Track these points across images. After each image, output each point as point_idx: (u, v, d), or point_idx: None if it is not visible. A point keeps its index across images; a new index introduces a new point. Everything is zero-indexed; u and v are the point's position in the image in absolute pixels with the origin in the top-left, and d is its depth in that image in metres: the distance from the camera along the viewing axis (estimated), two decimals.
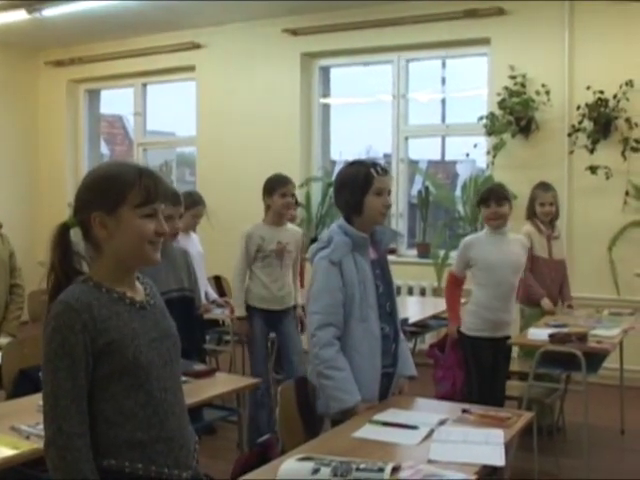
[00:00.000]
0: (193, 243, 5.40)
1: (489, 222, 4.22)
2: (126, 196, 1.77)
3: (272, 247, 4.60)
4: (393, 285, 3.00)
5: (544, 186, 5.02)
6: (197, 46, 7.89)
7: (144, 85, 8.64)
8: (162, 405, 1.79)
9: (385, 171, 2.89)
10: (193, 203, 5.37)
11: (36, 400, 2.84)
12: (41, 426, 2.49)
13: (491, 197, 4.19)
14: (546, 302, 4.81)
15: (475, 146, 6.49)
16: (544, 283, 4.88)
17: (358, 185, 2.82)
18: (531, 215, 4.99)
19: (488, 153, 6.42)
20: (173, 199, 3.57)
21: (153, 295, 1.92)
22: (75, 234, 1.82)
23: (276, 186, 4.57)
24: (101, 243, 1.79)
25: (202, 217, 5.42)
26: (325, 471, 2.10)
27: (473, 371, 4.20)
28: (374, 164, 2.88)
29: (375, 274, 2.87)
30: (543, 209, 4.94)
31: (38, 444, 2.42)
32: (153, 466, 1.76)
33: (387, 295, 2.91)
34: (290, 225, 4.83)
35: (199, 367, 3.42)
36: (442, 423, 2.59)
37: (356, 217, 2.85)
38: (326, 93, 7.74)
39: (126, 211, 1.77)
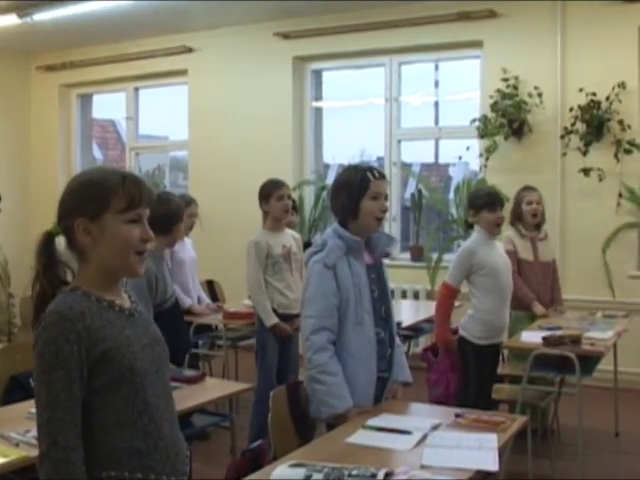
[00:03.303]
0: (186, 248, 5.39)
1: (495, 228, 4.16)
2: (110, 202, 1.75)
3: (279, 252, 4.53)
4: (389, 290, 2.98)
5: (529, 188, 5.01)
6: (189, 50, 7.88)
7: (136, 89, 8.62)
8: (157, 412, 1.77)
9: (382, 175, 2.89)
10: (186, 204, 5.38)
11: (26, 407, 2.82)
12: (31, 434, 2.50)
13: (497, 202, 4.15)
14: (537, 306, 4.77)
15: (468, 149, 6.49)
16: (530, 286, 4.83)
17: (354, 189, 2.81)
18: (515, 219, 4.94)
19: (481, 156, 6.42)
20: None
21: (137, 303, 1.90)
22: (60, 242, 1.80)
23: (272, 190, 4.51)
24: (86, 250, 1.77)
25: (197, 216, 5.43)
26: (317, 477, 2.09)
27: (473, 378, 4.13)
28: (370, 168, 2.89)
29: (370, 279, 2.86)
30: (530, 207, 4.88)
31: (27, 452, 2.40)
32: (152, 474, 1.74)
33: (382, 300, 2.90)
34: (288, 230, 4.79)
35: (189, 373, 3.41)
36: (435, 428, 2.58)
37: (351, 221, 2.84)
38: (318, 96, 7.73)
39: (110, 217, 1.75)
